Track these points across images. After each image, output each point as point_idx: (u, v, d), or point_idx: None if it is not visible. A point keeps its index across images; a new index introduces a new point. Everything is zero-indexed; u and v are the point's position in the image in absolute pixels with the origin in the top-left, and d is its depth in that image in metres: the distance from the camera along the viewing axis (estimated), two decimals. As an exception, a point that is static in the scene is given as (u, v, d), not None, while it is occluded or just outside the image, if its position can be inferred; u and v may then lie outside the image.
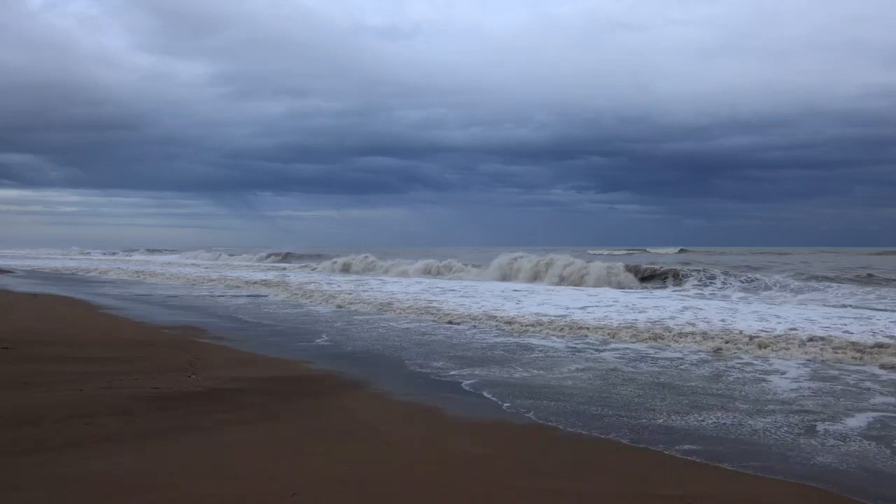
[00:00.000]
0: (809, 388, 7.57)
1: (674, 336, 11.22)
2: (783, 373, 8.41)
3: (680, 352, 10.12)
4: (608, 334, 11.71)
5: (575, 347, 10.53)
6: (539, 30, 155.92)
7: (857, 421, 6.14)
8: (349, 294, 20.19)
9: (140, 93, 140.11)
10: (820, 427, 5.95)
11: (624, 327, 12.27)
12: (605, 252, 62.78)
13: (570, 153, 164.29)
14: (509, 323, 13.19)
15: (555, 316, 14.03)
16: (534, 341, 11.14)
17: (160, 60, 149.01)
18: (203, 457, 4.72)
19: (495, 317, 14.12)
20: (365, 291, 21.31)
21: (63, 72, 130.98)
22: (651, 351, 10.22)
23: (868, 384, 7.75)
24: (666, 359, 9.51)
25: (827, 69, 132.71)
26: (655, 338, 11.14)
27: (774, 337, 10.78)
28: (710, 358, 9.59)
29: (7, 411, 5.61)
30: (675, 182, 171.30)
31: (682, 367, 8.89)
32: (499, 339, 11.37)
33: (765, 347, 10.11)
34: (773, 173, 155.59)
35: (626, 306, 16.21)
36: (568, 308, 15.79)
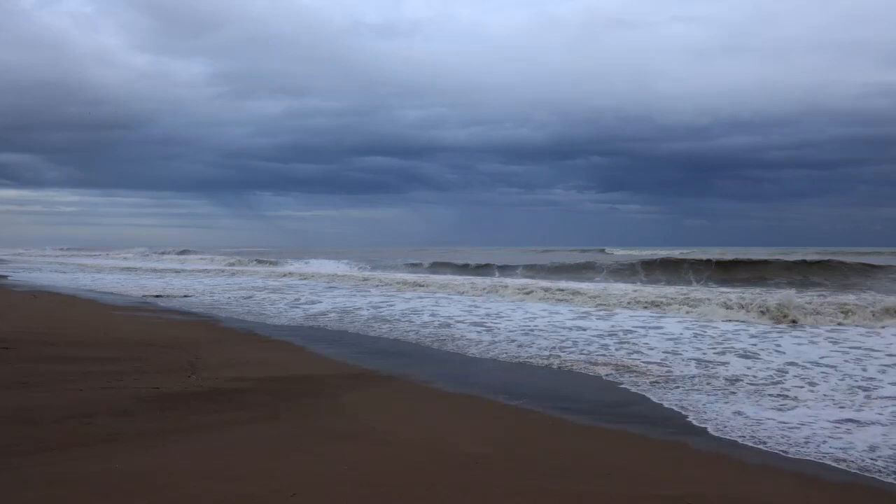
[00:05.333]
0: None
1: None
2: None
3: None
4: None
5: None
6: (538, 29, 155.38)
7: (862, 415, 6.15)
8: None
9: (138, 92, 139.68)
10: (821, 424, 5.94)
11: None
12: (570, 249, 61.50)
13: (570, 153, 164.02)
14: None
15: None
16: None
17: (157, 60, 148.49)
18: (203, 457, 4.72)
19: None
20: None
21: (60, 71, 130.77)
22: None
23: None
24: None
25: (827, 69, 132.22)
26: None
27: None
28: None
29: (7, 411, 5.61)
30: (675, 182, 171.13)
31: None
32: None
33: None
34: (774, 173, 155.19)
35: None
36: None
